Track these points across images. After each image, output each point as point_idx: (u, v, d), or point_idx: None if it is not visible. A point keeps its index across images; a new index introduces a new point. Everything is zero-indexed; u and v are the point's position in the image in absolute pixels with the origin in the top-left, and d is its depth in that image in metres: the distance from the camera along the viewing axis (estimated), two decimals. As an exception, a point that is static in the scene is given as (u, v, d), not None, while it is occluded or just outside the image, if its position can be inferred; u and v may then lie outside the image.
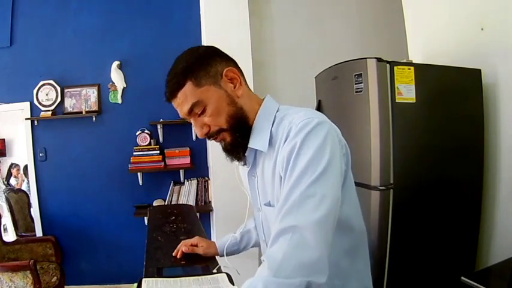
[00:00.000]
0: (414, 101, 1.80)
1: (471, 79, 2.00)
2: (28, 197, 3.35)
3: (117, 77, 2.91)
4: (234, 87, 0.84)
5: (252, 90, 0.92)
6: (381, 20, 2.98)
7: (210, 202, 2.92)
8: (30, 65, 2.90)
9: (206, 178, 2.98)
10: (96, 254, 3.01)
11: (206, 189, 2.94)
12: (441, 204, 1.90)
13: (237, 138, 0.85)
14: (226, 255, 1.17)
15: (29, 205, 3.28)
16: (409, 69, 1.79)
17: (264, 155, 0.85)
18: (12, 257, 2.58)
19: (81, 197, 2.97)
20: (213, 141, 0.87)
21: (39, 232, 2.95)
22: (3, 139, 3.76)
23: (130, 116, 2.96)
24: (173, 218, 1.71)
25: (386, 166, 1.75)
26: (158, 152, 2.88)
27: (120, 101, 2.96)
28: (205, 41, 2.73)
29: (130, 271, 2.23)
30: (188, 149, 2.95)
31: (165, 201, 2.92)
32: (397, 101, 1.76)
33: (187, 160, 2.93)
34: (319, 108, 2.24)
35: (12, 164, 3.83)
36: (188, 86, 0.81)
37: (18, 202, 3.48)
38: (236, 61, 0.89)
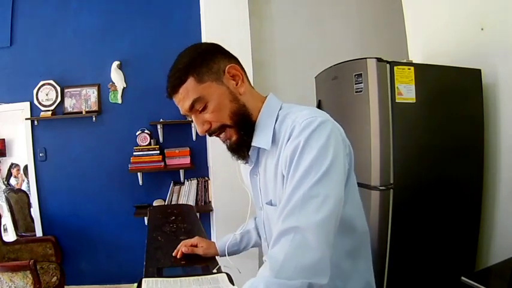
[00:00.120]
0: (414, 101, 1.80)
1: (471, 79, 2.00)
2: (28, 197, 3.35)
3: (117, 77, 2.91)
4: (236, 84, 0.84)
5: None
6: (381, 20, 2.98)
7: (210, 202, 2.92)
8: (30, 65, 2.90)
9: (206, 178, 2.98)
10: (96, 254, 3.01)
11: (206, 189, 2.94)
12: (441, 204, 1.90)
13: (243, 137, 0.84)
14: (224, 255, 1.17)
15: (29, 205, 3.28)
16: (409, 69, 1.79)
17: (267, 153, 0.85)
18: (12, 257, 2.58)
19: (81, 197, 2.97)
20: (214, 138, 0.87)
21: (39, 232, 2.95)
22: (3, 139, 3.76)
23: (130, 116, 2.96)
24: (173, 218, 1.71)
25: (387, 166, 1.75)
26: (158, 152, 2.88)
27: (120, 101, 2.96)
28: (205, 41, 2.73)
29: (130, 271, 2.23)
30: (188, 149, 2.95)
31: (165, 201, 2.92)
32: (397, 101, 1.76)
33: (187, 160, 2.93)
34: (319, 108, 2.24)
35: (12, 164, 3.83)
36: (190, 82, 0.80)
37: (18, 202, 3.48)
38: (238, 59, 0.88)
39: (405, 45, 2.78)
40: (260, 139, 0.84)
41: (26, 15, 2.90)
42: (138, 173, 2.91)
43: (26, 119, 2.89)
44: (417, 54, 2.61)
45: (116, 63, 2.89)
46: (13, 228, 3.41)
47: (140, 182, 2.94)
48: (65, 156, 2.94)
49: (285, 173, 0.76)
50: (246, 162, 0.91)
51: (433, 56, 2.41)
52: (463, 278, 1.40)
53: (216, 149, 2.71)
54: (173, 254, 1.21)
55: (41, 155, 2.93)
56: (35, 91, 2.87)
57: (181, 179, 3.00)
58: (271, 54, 2.86)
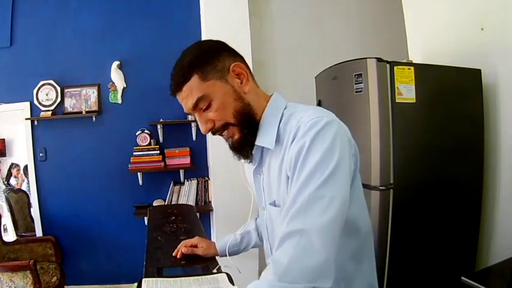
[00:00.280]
0: (414, 101, 1.80)
1: (471, 79, 2.00)
2: (28, 197, 3.35)
3: (117, 77, 2.91)
4: (241, 83, 0.83)
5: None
6: (381, 20, 2.98)
7: (210, 202, 2.92)
8: (30, 65, 2.90)
9: (206, 178, 2.98)
10: (96, 254, 3.01)
11: (206, 189, 2.94)
12: (441, 204, 1.90)
13: (246, 135, 0.83)
14: (224, 255, 1.17)
15: (29, 205, 3.28)
16: (409, 69, 1.79)
17: (271, 153, 0.83)
18: (12, 257, 2.58)
19: (81, 197, 2.97)
20: (215, 138, 0.86)
21: (39, 232, 2.95)
22: (3, 139, 3.75)
23: (130, 116, 2.96)
24: (173, 218, 1.71)
25: (387, 166, 1.75)
26: (158, 152, 2.88)
27: (120, 101, 2.96)
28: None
29: (130, 271, 2.23)
30: (188, 149, 2.95)
31: (165, 201, 2.92)
32: (397, 101, 1.76)
33: (187, 160, 2.93)
34: (319, 108, 2.24)
35: (12, 164, 3.83)
36: (194, 80, 0.79)
37: (18, 202, 3.48)
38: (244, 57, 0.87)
39: (405, 45, 2.78)
40: (264, 138, 0.83)
41: (26, 15, 2.89)
42: (138, 173, 2.91)
43: (26, 119, 2.89)
44: (417, 54, 2.61)
45: (116, 63, 2.89)
46: (13, 228, 3.41)
47: (140, 182, 2.94)
48: (65, 156, 2.94)
49: (289, 174, 0.75)
50: (250, 162, 0.90)
51: (433, 56, 2.41)
52: (463, 278, 1.40)
53: (216, 149, 2.71)
54: (173, 254, 1.20)
55: (41, 155, 2.93)
56: (35, 91, 2.87)
57: (181, 179, 3.00)
58: (271, 54, 2.86)
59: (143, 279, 0.99)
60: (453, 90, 1.93)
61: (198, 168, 2.97)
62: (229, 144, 0.87)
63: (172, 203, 2.89)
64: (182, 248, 1.19)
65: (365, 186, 1.76)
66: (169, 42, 2.93)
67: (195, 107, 0.81)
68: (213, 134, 0.85)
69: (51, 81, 2.88)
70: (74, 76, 2.92)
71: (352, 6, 3.00)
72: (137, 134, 2.89)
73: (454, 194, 1.95)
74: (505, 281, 1.40)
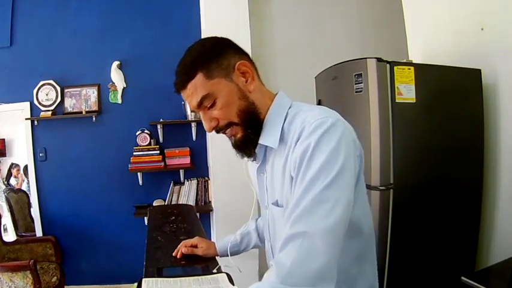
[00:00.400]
0: (414, 101, 1.80)
1: (471, 79, 1.99)
2: (28, 197, 3.36)
3: (117, 77, 2.91)
4: (246, 82, 0.82)
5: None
6: (381, 20, 2.97)
7: (210, 202, 2.92)
8: (30, 65, 2.90)
9: (206, 178, 2.98)
10: (96, 254, 3.01)
11: (206, 189, 2.94)
12: (441, 204, 1.90)
13: (249, 135, 0.83)
14: (225, 255, 1.17)
15: (29, 205, 3.28)
16: (409, 69, 1.79)
17: (275, 152, 0.83)
18: (12, 257, 2.58)
19: (81, 197, 2.97)
20: (215, 137, 0.86)
21: (39, 232, 2.95)
22: (3, 139, 3.76)
23: (130, 116, 2.96)
24: (173, 218, 1.71)
25: (387, 166, 1.75)
26: (158, 152, 2.88)
27: (120, 101, 2.96)
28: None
29: (130, 271, 2.23)
30: (188, 149, 2.95)
31: (165, 201, 2.92)
32: (397, 101, 1.76)
33: (187, 160, 2.93)
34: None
35: (12, 164, 3.84)
36: (199, 78, 0.78)
37: (18, 202, 3.48)
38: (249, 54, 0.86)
39: (405, 45, 2.78)
40: (268, 137, 0.82)
41: (26, 15, 2.90)
42: (138, 173, 2.91)
43: (26, 119, 2.89)
44: (417, 54, 2.61)
45: (116, 63, 2.89)
46: (13, 228, 3.41)
47: (140, 182, 2.94)
48: (65, 156, 2.94)
49: (293, 175, 0.74)
50: (253, 160, 0.89)
51: (433, 56, 2.41)
52: (463, 278, 1.40)
53: (216, 149, 2.71)
54: (173, 254, 1.20)
55: (41, 155, 2.93)
56: (35, 91, 2.87)
57: (181, 179, 3.00)
58: (271, 54, 2.86)
59: (143, 279, 0.99)
60: (453, 90, 1.93)
61: (198, 168, 2.98)
62: (232, 143, 0.86)
63: (172, 203, 2.89)
64: (182, 248, 1.19)
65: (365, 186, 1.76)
66: (169, 42, 2.93)
67: (200, 105, 0.80)
68: (217, 132, 0.85)
69: (51, 81, 2.88)
70: (74, 76, 2.92)
71: (352, 6, 3.00)
72: (137, 134, 2.89)
73: (454, 194, 1.95)
74: (505, 281, 1.40)
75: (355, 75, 1.82)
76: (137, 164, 2.86)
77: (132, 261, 2.35)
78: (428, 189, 1.87)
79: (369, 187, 1.75)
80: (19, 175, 3.81)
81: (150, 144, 2.88)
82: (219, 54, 0.80)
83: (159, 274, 1.06)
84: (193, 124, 2.93)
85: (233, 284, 0.96)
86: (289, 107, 0.84)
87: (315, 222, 0.66)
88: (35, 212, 2.99)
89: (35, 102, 2.88)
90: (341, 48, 2.87)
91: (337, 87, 2.04)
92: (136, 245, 2.53)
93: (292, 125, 0.79)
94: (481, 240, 2.06)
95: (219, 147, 2.70)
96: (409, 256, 1.84)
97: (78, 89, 2.92)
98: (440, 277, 1.90)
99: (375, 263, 0.88)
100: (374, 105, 1.74)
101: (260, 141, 0.84)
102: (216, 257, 1.19)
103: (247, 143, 0.84)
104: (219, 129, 0.84)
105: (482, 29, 2.06)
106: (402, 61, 1.85)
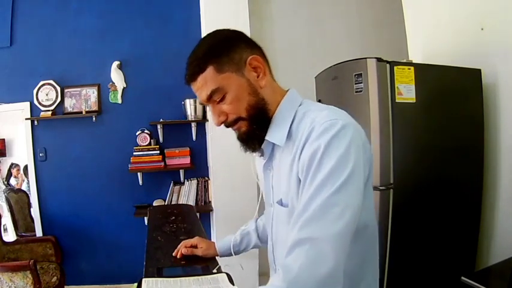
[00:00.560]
0: (414, 101, 1.80)
1: (471, 79, 2.00)
2: (28, 197, 3.35)
3: (117, 77, 2.91)
4: (258, 77, 0.81)
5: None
6: (381, 20, 2.98)
7: (210, 202, 2.92)
8: (30, 65, 2.90)
9: (206, 178, 2.98)
10: (96, 254, 3.01)
11: (206, 189, 2.94)
12: (441, 204, 1.90)
13: (254, 130, 0.81)
14: (225, 256, 1.18)
15: (29, 205, 3.28)
16: (409, 69, 1.79)
17: (282, 149, 0.82)
18: (12, 257, 2.58)
19: (81, 197, 2.97)
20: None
21: (39, 232, 2.95)
22: (3, 139, 3.75)
23: (130, 116, 2.96)
24: (173, 218, 1.71)
25: (387, 166, 1.75)
26: (158, 152, 2.88)
27: (120, 101, 2.96)
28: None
29: (130, 271, 2.23)
30: (188, 149, 2.95)
31: (165, 201, 2.92)
32: (397, 101, 1.76)
33: (187, 160, 2.93)
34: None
35: (12, 164, 3.83)
36: (209, 71, 0.77)
37: (18, 202, 3.48)
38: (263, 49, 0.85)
39: (405, 45, 2.78)
40: (275, 134, 0.81)
41: (26, 15, 2.90)
42: (138, 173, 2.91)
43: (26, 119, 2.89)
44: (417, 54, 2.61)
45: (116, 63, 2.89)
46: (13, 228, 3.41)
47: (140, 182, 2.94)
48: (65, 156, 2.94)
49: (301, 177, 0.73)
50: (260, 155, 0.88)
51: (433, 56, 2.41)
52: (463, 278, 1.40)
53: (216, 149, 2.71)
54: (173, 254, 1.20)
55: (41, 155, 2.93)
56: (35, 91, 2.87)
57: (181, 179, 3.00)
58: (271, 54, 2.83)
59: (143, 279, 0.99)
60: (453, 90, 1.93)
61: (198, 168, 2.98)
62: (236, 135, 0.85)
63: (172, 203, 2.89)
64: (182, 249, 1.19)
65: (365, 186, 1.76)
66: (169, 42, 2.93)
67: (209, 98, 0.79)
68: (226, 126, 0.83)
69: (51, 81, 2.88)
70: (74, 76, 2.92)
71: (352, 6, 3.00)
72: (137, 134, 2.89)
73: (454, 194, 1.95)
74: (505, 281, 1.40)
75: (355, 75, 1.82)
76: (137, 164, 2.86)
77: (132, 261, 2.35)
78: (428, 189, 1.87)
79: (369, 187, 1.75)
80: (19, 175, 3.81)
81: (150, 144, 2.88)
82: (231, 48, 0.79)
83: (159, 274, 1.05)
84: (193, 124, 2.93)
85: (233, 284, 0.96)
86: (300, 105, 0.83)
87: (323, 227, 0.66)
88: (35, 212, 2.98)
89: (35, 102, 2.88)
90: (341, 48, 2.87)
91: (337, 87, 2.04)
92: (136, 245, 2.53)
93: (301, 124, 0.78)
94: (481, 240, 2.06)
95: (219, 147, 2.70)
96: (409, 256, 1.84)
97: (78, 89, 2.92)
98: (440, 277, 1.90)
99: (377, 264, 0.87)
100: (374, 105, 1.74)
101: (267, 138, 0.83)
102: (216, 257, 1.19)
103: (252, 137, 0.83)
104: (227, 124, 0.83)
105: (482, 29, 2.06)
106: (402, 61, 1.85)
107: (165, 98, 2.95)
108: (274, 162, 0.86)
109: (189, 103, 2.82)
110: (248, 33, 0.81)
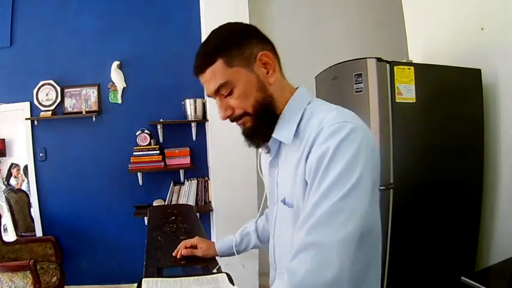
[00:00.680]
0: (414, 101, 1.80)
1: (471, 79, 2.00)
2: (28, 197, 3.35)
3: (117, 77, 2.91)
4: (267, 73, 0.80)
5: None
6: (381, 20, 2.98)
7: (210, 202, 2.92)
8: (30, 65, 2.90)
9: (206, 178, 2.98)
10: (96, 254, 3.01)
11: (206, 189, 2.94)
12: (441, 204, 1.90)
13: (259, 126, 0.81)
14: (225, 256, 1.18)
15: (29, 205, 3.28)
16: (409, 69, 1.79)
17: (288, 147, 0.81)
18: (12, 257, 2.58)
19: (81, 197, 2.97)
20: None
21: (39, 232, 2.95)
22: (3, 139, 3.76)
23: (130, 116, 2.96)
24: (173, 218, 1.71)
25: (386, 166, 1.75)
26: (158, 152, 2.88)
27: (120, 101, 2.96)
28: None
29: (130, 271, 2.23)
30: (188, 149, 2.95)
31: (165, 201, 2.92)
32: (397, 101, 1.76)
33: (187, 160, 2.93)
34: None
35: (12, 164, 3.83)
36: (218, 64, 0.76)
37: (18, 202, 3.48)
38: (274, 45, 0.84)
39: (405, 45, 2.77)
40: (282, 132, 0.80)
41: (26, 15, 2.90)
42: (138, 173, 2.91)
43: (26, 119, 2.89)
44: (417, 54, 2.61)
45: (116, 63, 2.89)
46: (13, 228, 3.41)
47: (140, 182, 2.94)
48: (65, 156, 2.94)
49: (308, 180, 0.72)
50: (267, 152, 0.88)
51: (433, 56, 2.41)
52: (463, 278, 1.40)
53: (216, 149, 2.71)
54: (173, 254, 1.20)
55: (41, 155, 2.93)
56: (35, 91, 2.87)
57: (181, 179, 3.00)
58: (271, 54, 2.85)
59: (143, 279, 0.99)
60: (453, 90, 1.93)
61: (198, 168, 2.98)
62: (241, 130, 0.85)
63: (172, 203, 2.89)
64: (182, 249, 1.19)
65: (365, 186, 1.76)
66: (169, 42, 2.93)
67: (217, 92, 0.79)
68: (231, 121, 0.83)
69: (51, 81, 2.88)
70: (74, 76, 2.92)
71: (352, 6, 3.00)
72: (137, 134, 2.89)
73: (454, 194, 1.95)
74: (505, 281, 1.40)
75: (355, 75, 1.82)
76: (137, 164, 2.86)
77: (132, 261, 2.35)
78: (428, 189, 1.87)
79: (369, 187, 1.75)
80: (19, 175, 3.81)
81: (150, 144, 2.88)
82: (242, 42, 0.78)
83: (159, 274, 1.06)
84: (193, 124, 2.93)
85: (233, 284, 0.96)
86: (308, 103, 0.82)
87: (330, 233, 0.65)
88: (35, 212, 2.98)
89: (35, 102, 2.88)
90: (341, 48, 2.87)
91: (337, 87, 2.04)
92: (136, 245, 2.53)
93: (309, 123, 0.77)
94: (481, 240, 2.06)
95: (219, 147, 2.70)
96: (409, 256, 1.84)
97: (78, 89, 2.92)
98: (440, 277, 1.90)
99: (379, 267, 0.86)
100: (374, 105, 1.74)
101: (274, 135, 0.82)
102: (216, 257, 1.19)
103: (256, 133, 0.82)
104: (233, 119, 0.82)
105: (482, 29, 2.06)
106: (402, 61, 1.85)
107: (165, 98, 2.95)
108: (280, 160, 0.85)
109: (189, 103, 2.82)
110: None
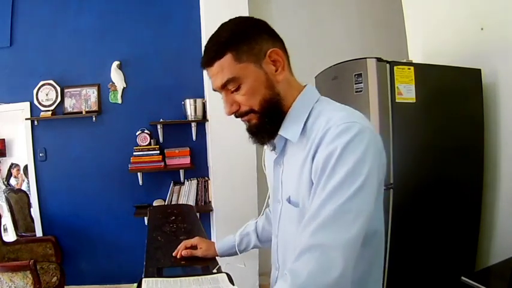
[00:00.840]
0: (414, 101, 1.79)
1: (471, 79, 1.99)
2: (28, 197, 3.36)
3: (117, 77, 2.91)
4: (276, 71, 0.79)
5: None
6: (381, 20, 2.98)
7: (210, 202, 2.92)
8: (30, 65, 2.91)
9: (206, 178, 2.98)
10: (96, 254, 3.01)
11: (206, 189, 2.94)
12: (441, 204, 1.90)
13: (265, 124, 0.80)
14: (224, 256, 1.18)
15: (29, 205, 3.28)
16: (409, 69, 1.79)
17: (294, 145, 0.80)
18: (12, 257, 2.58)
19: (81, 197, 2.97)
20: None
21: (39, 232, 2.95)
22: (3, 139, 3.76)
23: (130, 116, 2.96)
24: (173, 218, 1.71)
25: (387, 166, 1.74)
26: (158, 152, 2.88)
27: (120, 101, 2.96)
28: (206, 42, 2.73)
29: (130, 271, 2.23)
30: (188, 149, 2.95)
31: (165, 201, 2.92)
32: (397, 101, 1.76)
33: (187, 160, 2.93)
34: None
35: (12, 164, 3.84)
36: (227, 58, 0.75)
37: (18, 202, 3.48)
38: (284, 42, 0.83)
39: (405, 45, 2.77)
40: (289, 130, 0.80)
41: (26, 15, 2.90)
42: (138, 173, 2.91)
43: (26, 119, 2.89)
44: (417, 54, 2.61)
45: (115, 63, 2.89)
46: (13, 228, 3.41)
47: (140, 182, 2.94)
48: (65, 156, 2.94)
49: (314, 179, 0.71)
50: (272, 149, 0.87)
51: (433, 55, 2.41)
52: (463, 278, 1.40)
53: (216, 149, 2.71)
54: (173, 253, 1.20)
55: (41, 155, 2.93)
56: (35, 91, 2.87)
57: (181, 179, 3.00)
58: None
59: (143, 279, 0.99)
60: (453, 90, 1.93)
61: (198, 168, 2.98)
62: (246, 127, 0.84)
63: (172, 203, 2.89)
64: (182, 250, 1.19)
65: (365, 186, 1.76)
66: (169, 42, 2.93)
67: (224, 86, 0.78)
68: (236, 117, 0.82)
69: (51, 81, 2.88)
70: (73, 76, 2.92)
71: (352, 6, 3.00)
72: (137, 134, 2.89)
73: (454, 194, 1.95)
74: (505, 281, 1.40)
75: (355, 75, 1.82)
76: (137, 164, 2.86)
77: (132, 261, 2.35)
78: (428, 189, 1.87)
79: (369, 187, 1.75)
80: (19, 175, 3.81)
81: (150, 144, 2.88)
82: (252, 37, 0.77)
83: (159, 274, 1.06)
84: (193, 124, 2.93)
85: (233, 284, 0.96)
86: (316, 101, 0.81)
87: (334, 235, 0.65)
88: (35, 212, 2.99)
89: (35, 102, 2.88)
90: (341, 48, 2.87)
91: (337, 87, 2.04)
92: (136, 245, 2.53)
93: (317, 122, 0.76)
94: (481, 240, 2.06)
95: (219, 147, 2.70)
96: (409, 256, 1.83)
97: (78, 89, 2.93)
98: (440, 277, 1.90)
99: (382, 268, 0.86)
100: (374, 105, 1.74)
101: (280, 133, 0.81)
102: (216, 257, 1.20)
103: (261, 131, 0.81)
104: (238, 115, 0.81)
105: (482, 29, 2.06)
106: (402, 61, 1.85)
107: (165, 98, 2.95)
108: (285, 158, 0.84)
109: (189, 103, 2.82)
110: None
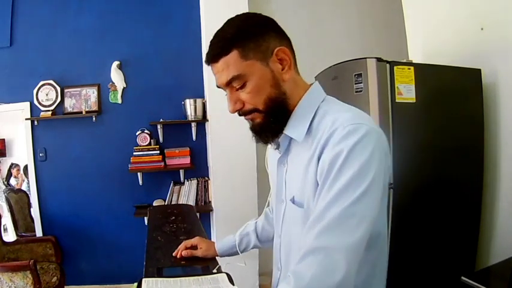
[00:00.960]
0: (414, 101, 1.79)
1: (471, 79, 1.99)
2: (28, 197, 3.36)
3: (117, 77, 2.91)
4: (282, 69, 0.77)
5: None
6: (381, 20, 2.98)
7: (210, 202, 2.92)
8: (30, 65, 2.91)
9: (206, 178, 2.98)
10: (96, 254, 3.01)
11: (206, 189, 2.94)
12: (441, 204, 1.90)
13: (270, 123, 0.78)
14: (224, 256, 1.18)
15: (29, 205, 3.28)
16: (409, 69, 1.79)
17: (299, 145, 0.79)
18: (12, 257, 2.58)
19: (81, 197, 2.97)
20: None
21: (39, 232, 2.95)
22: (3, 139, 3.76)
23: (130, 116, 2.96)
24: (173, 218, 1.71)
25: (387, 166, 1.75)
26: (158, 152, 2.88)
27: (120, 101, 2.96)
28: (206, 42, 2.73)
29: (130, 271, 2.23)
30: (188, 149, 2.95)
31: (165, 201, 2.92)
32: (397, 101, 1.76)
33: (187, 160, 2.93)
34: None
35: (12, 164, 3.84)
36: (233, 55, 0.74)
37: (18, 202, 3.48)
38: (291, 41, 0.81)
39: (405, 45, 2.77)
40: (294, 129, 0.79)
41: (26, 15, 2.90)
42: (138, 173, 2.91)
43: (26, 119, 2.89)
44: (417, 54, 2.61)
45: (115, 63, 2.89)
46: (13, 228, 3.41)
47: (140, 182, 2.94)
48: (65, 156, 2.95)
49: (319, 181, 0.71)
50: (276, 148, 0.86)
51: (433, 55, 2.41)
52: (463, 278, 1.40)
53: (216, 149, 2.71)
54: (173, 254, 1.20)
55: (41, 155, 2.93)
56: (35, 91, 2.87)
57: (181, 179, 3.00)
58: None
59: (143, 279, 0.99)
60: (453, 90, 1.93)
61: (198, 168, 2.98)
62: (249, 126, 0.83)
63: (172, 203, 2.89)
64: (182, 251, 1.19)
65: (365, 186, 1.76)
66: (169, 42, 2.93)
67: (228, 84, 0.76)
68: (239, 115, 0.81)
69: (51, 81, 2.88)
70: (73, 76, 2.92)
71: (352, 6, 3.00)
72: (137, 134, 2.89)
73: (454, 194, 1.95)
74: (505, 281, 1.39)
75: (355, 75, 1.82)
76: (137, 164, 2.86)
77: (132, 261, 2.35)
78: (428, 189, 1.87)
79: (369, 187, 1.75)
80: (19, 175, 3.81)
81: (150, 144, 2.88)
82: (259, 34, 0.76)
83: (159, 274, 1.06)
84: (193, 124, 2.93)
85: (233, 284, 0.96)
86: (322, 101, 0.80)
87: (339, 238, 0.64)
88: (35, 212, 2.99)
89: (35, 102, 2.88)
90: (341, 48, 2.87)
91: (337, 87, 2.04)
92: (136, 245, 2.53)
93: (322, 122, 0.75)
94: (481, 240, 2.06)
95: (219, 147, 2.70)
96: (409, 256, 1.83)
97: (78, 89, 2.93)
98: (440, 277, 1.90)
99: (385, 270, 0.85)
100: (374, 105, 1.74)
101: (286, 132, 0.80)
102: (216, 257, 1.20)
103: (265, 130, 0.80)
104: (242, 113, 0.80)
105: (482, 29, 2.06)
106: (402, 61, 1.85)
107: (165, 98, 2.95)
108: (289, 157, 0.83)
109: (189, 103, 2.82)
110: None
